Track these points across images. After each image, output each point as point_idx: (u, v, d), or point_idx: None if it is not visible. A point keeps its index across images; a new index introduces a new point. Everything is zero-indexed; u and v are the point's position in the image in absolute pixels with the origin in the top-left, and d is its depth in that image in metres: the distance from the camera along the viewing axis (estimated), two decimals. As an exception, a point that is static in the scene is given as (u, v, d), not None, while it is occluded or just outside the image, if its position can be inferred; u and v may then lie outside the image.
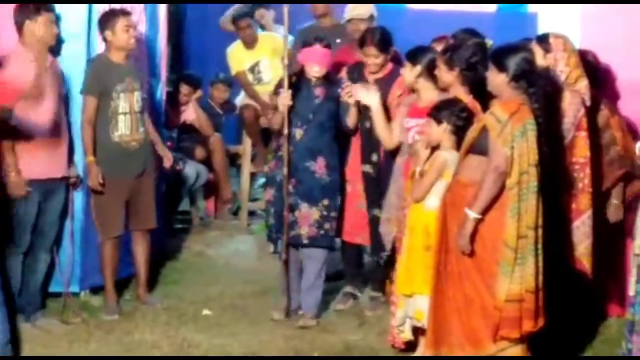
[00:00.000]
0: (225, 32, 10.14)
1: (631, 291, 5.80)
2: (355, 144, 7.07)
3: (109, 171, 6.83)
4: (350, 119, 6.80)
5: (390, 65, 7.07)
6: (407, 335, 6.10)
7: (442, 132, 5.93)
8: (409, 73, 6.51)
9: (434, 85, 6.36)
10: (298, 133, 6.72)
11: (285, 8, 6.94)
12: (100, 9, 7.19)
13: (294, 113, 6.73)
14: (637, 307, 5.78)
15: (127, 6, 7.31)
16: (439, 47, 6.62)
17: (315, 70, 6.73)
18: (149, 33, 8.07)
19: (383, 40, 6.86)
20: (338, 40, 8.24)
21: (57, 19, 6.72)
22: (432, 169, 5.95)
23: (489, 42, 6.39)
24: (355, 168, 7.05)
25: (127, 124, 6.87)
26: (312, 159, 6.69)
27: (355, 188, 7.06)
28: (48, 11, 6.59)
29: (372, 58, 6.90)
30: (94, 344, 6.37)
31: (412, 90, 6.65)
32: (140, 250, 7.18)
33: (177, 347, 6.33)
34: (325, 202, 6.69)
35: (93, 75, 6.80)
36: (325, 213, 6.68)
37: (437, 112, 5.98)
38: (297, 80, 6.82)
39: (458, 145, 5.87)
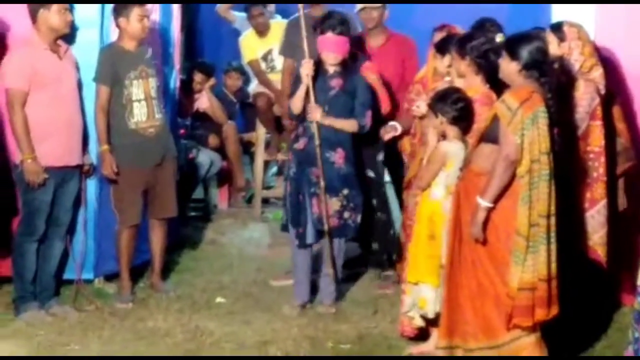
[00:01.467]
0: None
1: (639, 280, 5.83)
2: None
3: (128, 160, 6.87)
4: (368, 120, 6.79)
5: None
6: (418, 322, 6.11)
7: (439, 124, 5.99)
8: (440, 63, 6.51)
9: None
10: (314, 125, 6.69)
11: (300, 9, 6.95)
12: None
13: (309, 105, 6.70)
14: None
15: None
16: (440, 36, 6.67)
17: (332, 57, 6.68)
18: (163, 21, 8.08)
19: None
20: None
21: (71, 7, 6.74)
22: (433, 159, 5.99)
23: (500, 36, 6.36)
24: None
25: (142, 110, 6.89)
26: (331, 149, 6.69)
27: None
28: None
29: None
30: (108, 331, 6.42)
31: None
32: (157, 239, 7.21)
33: (190, 334, 6.36)
34: (345, 191, 6.70)
35: (105, 63, 6.83)
36: (345, 203, 6.69)
37: (433, 104, 6.05)
38: (317, 68, 6.74)
39: (466, 133, 5.92)
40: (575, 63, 6.27)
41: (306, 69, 6.65)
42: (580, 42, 6.30)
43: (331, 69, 6.74)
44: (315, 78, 6.71)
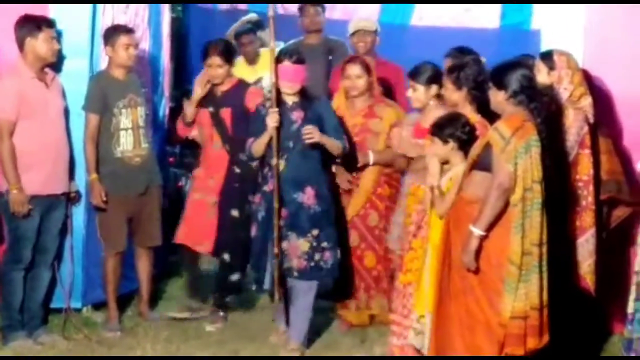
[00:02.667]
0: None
1: (630, 308, 5.88)
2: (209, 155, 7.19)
3: (112, 188, 6.88)
4: (346, 142, 6.53)
5: (235, 79, 7.11)
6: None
7: (449, 150, 5.95)
8: (424, 94, 6.45)
9: (443, 105, 6.37)
10: (280, 163, 6.41)
11: (271, 20, 6.59)
12: (105, 24, 7.19)
13: (271, 142, 6.45)
14: (635, 325, 5.86)
15: (131, 22, 7.40)
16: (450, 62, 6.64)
17: (287, 86, 6.40)
18: (153, 49, 8.15)
19: (227, 50, 6.84)
20: (330, 57, 8.25)
21: (59, 35, 6.73)
22: (454, 185, 5.87)
23: (483, 59, 6.41)
24: (214, 182, 7.12)
25: (129, 139, 6.91)
26: (299, 189, 6.41)
27: (206, 199, 7.13)
28: (49, 27, 6.61)
29: (216, 68, 6.94)
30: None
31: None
32: (143, 267, 7.22)
33: (179, 364, 6.41)
34: (315, 232, 6.41)
35: (94, 92, 6.84)
36: (315, 244, 6.40)
37: (441, 131, 6.00)
38: (278, 101, 6.45)
39: (464, 158, 5.90)
40: (565, 91, 6.27)
41: (273, 119, 6.32)
42: (570, 70, 6.32)
43: (290, 100, 6.47)
44: (281, 114, 6.43)
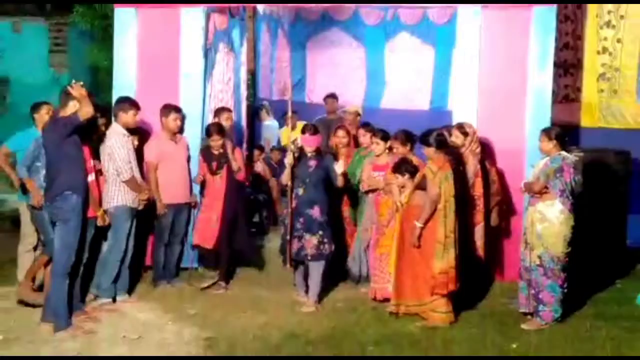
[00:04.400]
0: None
1: (521, 255, 5.79)
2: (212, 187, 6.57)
3: None
4: (339, 182, 6.23)
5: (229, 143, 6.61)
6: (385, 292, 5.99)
7: (405, 179, 5.90)
8: (382, 146, 6.39)
9: (390, 153, 6.33)
10: (300, 190, 6.12)
11: (290, 109, 6.60)
12: (211, 107, 7.01)
13: (296, 177, 6.12)
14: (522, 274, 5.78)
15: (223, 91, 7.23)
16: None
17: (308, 148, 6.19)
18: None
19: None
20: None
21: (183, 117, 6.60)
22: (407, 198, 5.82)
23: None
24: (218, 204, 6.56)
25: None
26: (310, 207, 6.08)
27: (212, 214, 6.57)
28: (177, 112, 6.52)
29: (217, 141, 6.51)
30: (207, 297, 6.34)
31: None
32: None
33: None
34: (320, 233, 6.07)
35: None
36: (321, 240, 6.08)
37: (400, 169, 5.94)
38: (299, 154, 6.22)
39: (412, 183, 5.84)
40: (471, 145, 6.29)
41: (289, 159, 6.16)
42: (474, 135, 6.33)
43: (309, 153, 6.19)
44: (300, 159, 6.21)
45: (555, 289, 5.62)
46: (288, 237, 6.12)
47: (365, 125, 6.85)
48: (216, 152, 6.56)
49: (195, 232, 6.64)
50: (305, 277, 6.24)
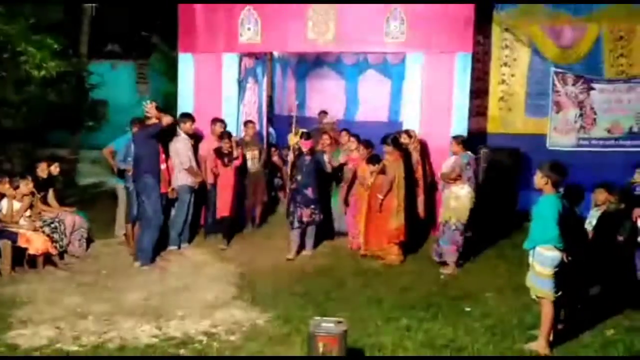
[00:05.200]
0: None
1: (440, 218, 5.59)
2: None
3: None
4: (328, 169, 6.08)
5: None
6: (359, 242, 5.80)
7: (375, 168, 5.73)
8: (355, 145, 6.15)
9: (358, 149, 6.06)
10: (299, 176, 5.87)
11: (294, 118, 6.32)
12: (242, 119, 6.59)
13: (296, 168, 5.91)
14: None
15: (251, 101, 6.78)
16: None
17: (303, 148, 5.94)
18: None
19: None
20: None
21: (225, 126, 6.29)
22: (374, 180, 5.65)
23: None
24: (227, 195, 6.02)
25: None
26: (306, 188, 5.84)
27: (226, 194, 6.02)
28: (221, 123, 6.24)
29: (227, 144, 6.11)
30: (235, 245, 6.04)
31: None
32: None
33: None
34: (313, 206, 5.85)
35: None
36: (313, 211, 5.86)
37: (372, 160, 5.78)
38: (299, 152, 6.01)
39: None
40: (413, 144, 6.08)
41: (291, 155, 6.06)
42: (416, 137, 6.16)
43: (304, 152, 5.94)
44: (300, 155, 5.98)
45: (458, 243, 5.43)
46: (290, 209, 5.88)
47: (346, 130, 6.73)
48: (226, 151, 6.19)
49: (217, 209, 6.18)
50: (302, 235, 5.95)
